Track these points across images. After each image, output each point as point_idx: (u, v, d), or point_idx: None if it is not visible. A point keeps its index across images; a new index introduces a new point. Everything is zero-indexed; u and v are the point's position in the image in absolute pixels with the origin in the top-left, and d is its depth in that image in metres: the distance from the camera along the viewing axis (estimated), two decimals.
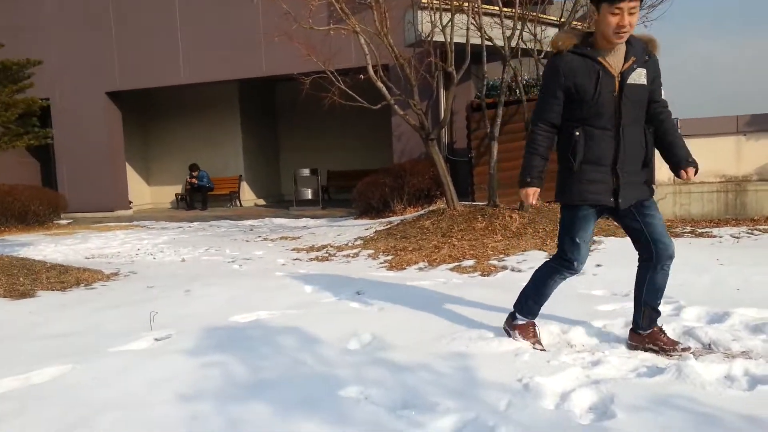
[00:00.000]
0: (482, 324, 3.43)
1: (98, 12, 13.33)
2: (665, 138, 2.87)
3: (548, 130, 2.87)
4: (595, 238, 6.37)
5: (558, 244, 3.02)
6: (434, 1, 8.20)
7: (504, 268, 5.46)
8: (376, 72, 7.72)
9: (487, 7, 8.22)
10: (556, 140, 2.92)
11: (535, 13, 8.03)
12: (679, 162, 2.83)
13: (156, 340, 3.43)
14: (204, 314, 3.98)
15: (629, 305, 3.73)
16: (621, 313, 3.50)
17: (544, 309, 3.30)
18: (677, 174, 2.85)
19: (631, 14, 2.61)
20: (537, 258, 5.71)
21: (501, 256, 5.87)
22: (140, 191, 15.90)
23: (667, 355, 2.88)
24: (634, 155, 2.80)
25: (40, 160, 14.95)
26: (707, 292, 4.05)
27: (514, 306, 3.22)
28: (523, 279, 5.08)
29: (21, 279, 5.14)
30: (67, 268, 5.67)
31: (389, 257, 6.29)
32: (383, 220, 9.05)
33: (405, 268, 5.78)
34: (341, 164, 15.89)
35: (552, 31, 8.44)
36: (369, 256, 6.48)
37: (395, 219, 8.71)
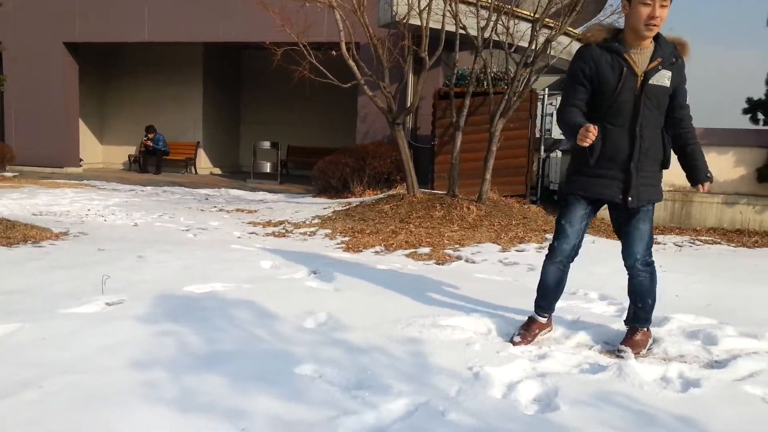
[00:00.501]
0: (436, 312, 3.50)
1: None
2: (686, 147, 2.91)
3: (575, 110, 2.83)
4: (547, 235, 6.56)
5: None
6: None
7: (459, 258, 5.57)
8: (348, 50, 7.67)
9: None
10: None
11: (510, 6, 8.11)
12: (698, 175, 2.90)
13: (107, 304, 3.37)
14: (158, 281, 3.94)
15: (576, 303, 3.90)
16: (568, 310, 3.63)
17: (494, 300, 3.39)
18: (693, 185, 2.94)
19: (662, 6, 2.64)
20: (490, 250, 5.85)
21: (456, 246, 5.98)
22: (92, 149, 15.39)
23: (616, 353, 2.99)
24: (652, 156, 2.85)
25: None
26: None
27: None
28: (477, 270, 5.25)
29: None
30: (13, 224, 5.47)
31: (346, 238, 6.33)
32: (342, 200, 9.06)
33: (362, 251, 5.83)
34: (302, 140, 15.73)
35: (524, 26, 8.55)
36: (326, 235, 6.50)
37: (354, 200, 8.73)
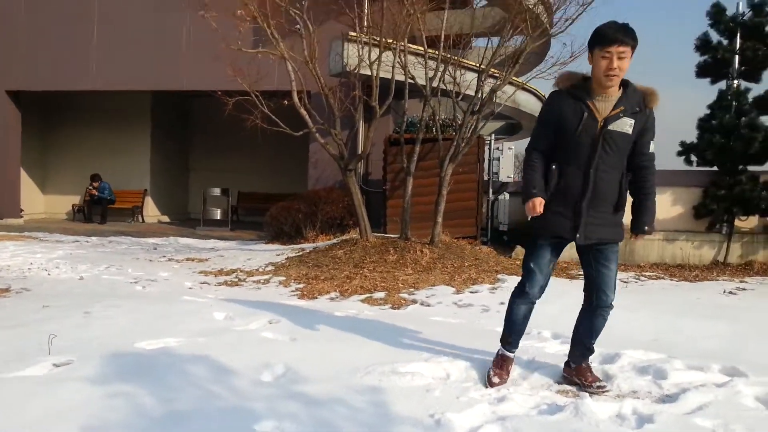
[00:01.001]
0: (395, 358, 3.50)
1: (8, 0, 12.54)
2: (638, 195, 3.08)
3: (540, 157, 3.04)
4: (499, 276, 6.68)
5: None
6: (363, 36, 8.40)
7: (414, 301, 5.61)
8: (300, 99, 7.76)
9: (413, 47, 8.53)
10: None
11: (456, 57, 8.42)
12: (636, 226, 3.08)
13: (55, 365, 3.23)
14: (107, 338, 3.80)
15: (530, 343, 3.97)
16: (524, 351, 3.69)
17: (451, 343, 3.40)
18: (631, 232, 3.11)
19: (620, 59, 2.80)
20: (445, 293, 5.92)
21: (411, 289, 6.02)
22: (33, 199, 14.84)
23: (587, 390, 3.10)
24: (605, 197, 2.98)
25: None
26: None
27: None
28: (432, 313, 5.29)
29: None
30: None
31: (301, 285, 6.28)
32: (295, 246, 9.01)
33: (317, 297, 5.80)
34: (254, 186, 15.62)
35: (471, 75, 8.88)
36: (280, 283, 6.44)
37: (307, 246, 8.70)
